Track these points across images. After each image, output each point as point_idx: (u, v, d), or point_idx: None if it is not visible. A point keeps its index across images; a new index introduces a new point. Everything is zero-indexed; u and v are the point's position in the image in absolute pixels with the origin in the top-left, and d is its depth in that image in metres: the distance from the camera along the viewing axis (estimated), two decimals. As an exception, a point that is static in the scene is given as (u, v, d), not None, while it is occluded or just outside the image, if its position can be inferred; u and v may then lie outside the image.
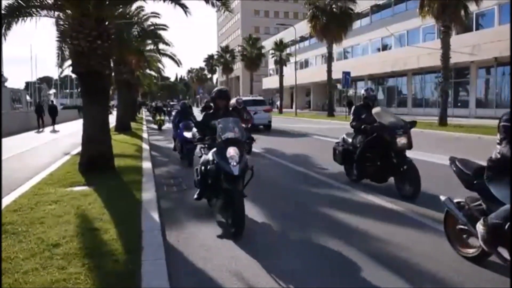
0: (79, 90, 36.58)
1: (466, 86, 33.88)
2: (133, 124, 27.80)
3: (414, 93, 40.12)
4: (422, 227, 5.70)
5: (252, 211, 6.75)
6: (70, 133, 23.56)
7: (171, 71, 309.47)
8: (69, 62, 17.44)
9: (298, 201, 7.52)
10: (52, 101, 39.36)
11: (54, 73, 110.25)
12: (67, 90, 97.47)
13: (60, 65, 22.94)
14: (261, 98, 27.78)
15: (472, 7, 24.11)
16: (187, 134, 10.92)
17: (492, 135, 17.17)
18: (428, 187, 7.49)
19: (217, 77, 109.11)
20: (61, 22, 11.62)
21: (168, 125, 27.27)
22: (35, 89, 77.46)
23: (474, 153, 13.04)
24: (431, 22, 27.76)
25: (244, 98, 24.90)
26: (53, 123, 31.80)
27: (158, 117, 28.41)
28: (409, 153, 7.80)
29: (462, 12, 23.63)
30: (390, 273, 4.30)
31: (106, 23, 10.35)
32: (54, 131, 28.88)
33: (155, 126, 29.16)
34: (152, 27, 24.05)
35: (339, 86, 45.86)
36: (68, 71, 31.22)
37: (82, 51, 9.73)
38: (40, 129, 29.15)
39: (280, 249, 5.09)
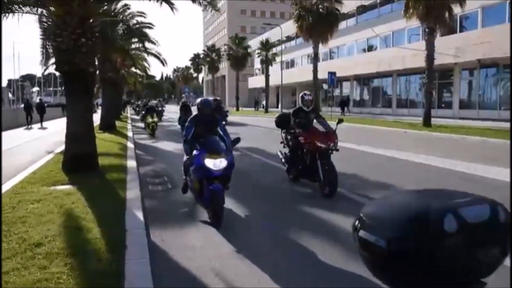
0: (63, 88, 36.30)
1: (450, 87, 34.28)
2: (118, 123, 27.56)
3: (399, 94, 40.46)
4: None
5: (236, 209, 6.76)
6: (56, 131, 23.28)
7: (156, 70, 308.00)
8: (53, 59, 17.23)
9: (282, 199, 7.55)
10: (40, 99, 39.69)
11: (38, 71, 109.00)
12: (51, 88, 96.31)
13: (45, 63, 22.67)
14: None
15: (456, 10, 24.39)
16: (212, 163, 6.02)
17: (476, 135, 17.49)
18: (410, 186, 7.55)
19: (203, 76, 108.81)
20: (45, 19, 11.48)
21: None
22: (17, 86, 76.42)
23: (458, 153, 13.24)
24: (416, 24, 28.05)
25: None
26: (41, 120, 32.30)
27: (149, 119, 21.75)
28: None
29: (447, 14, 23.89)
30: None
31: (91, 20, 10.24)
32: (42, 128, 29.63)
33: (141, 124, 27.61)
34: (138, 26, 23.91)
35: (325, 86, 46.03)
36: (52, 69, 30.96)
37: (66, 49, 9.62)
38: (29, 126, 29.90)
39: (264, 248, 5.10)
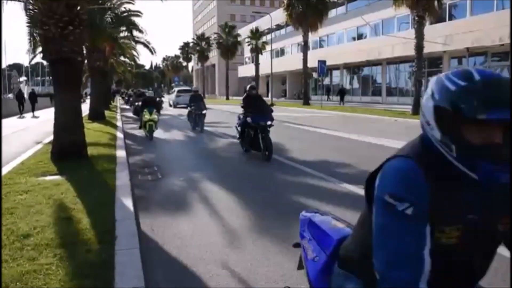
0: (50, 77, 36.10)
1: (439, 75, 34.50)
2: (107, 113, 27.36)
3: (389, 82, 40.59)
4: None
5: (227, 199, 6.77)
6: (46, 120, 23.05)
7: (146, 59, 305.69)
8: (40, 48, 16.99)
9: (274, 189, 7.55)
10: (33, 89, 40.47)
11: (25, 60, 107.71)
12: (39, 78, 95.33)
13: (32, 52, 22.38)
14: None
15: (445, -2, 24.50)
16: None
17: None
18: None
19: (193, 65, 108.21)
20: (31, 7, 11.30)
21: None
22: (4, 76, 75.45)
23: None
24: (406, 12, 28.09)
25: (179, 88, 26.36)
26: (33, 109, 33.04)
27: (147, 116, 15.22)
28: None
29: (436, 3, 23.95)
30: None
31: (78, 8, 10.09)
32: (34, 117, 30.38)
33: (131, 114, 26.87)
34: (126, 14, 23.65)
35: (314, 74, 46.05)
36: (39, 58, 30.87)
37: (53, 37, 9.49)
38: (21, 115, 30.72)
39: (255, 237, 5.10)
